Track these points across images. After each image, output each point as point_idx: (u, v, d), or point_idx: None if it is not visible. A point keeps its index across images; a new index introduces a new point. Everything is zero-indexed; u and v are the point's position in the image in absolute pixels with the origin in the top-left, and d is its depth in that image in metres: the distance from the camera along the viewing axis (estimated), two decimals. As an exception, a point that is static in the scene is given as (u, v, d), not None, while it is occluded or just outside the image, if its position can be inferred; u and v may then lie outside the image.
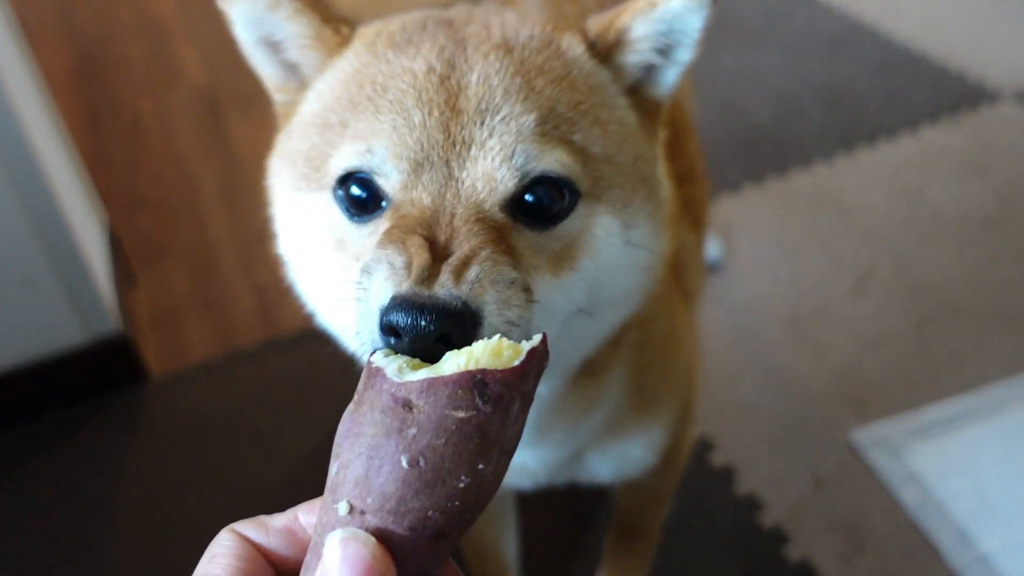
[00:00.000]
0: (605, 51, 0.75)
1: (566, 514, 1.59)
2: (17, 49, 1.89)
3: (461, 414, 0.40)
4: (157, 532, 1.63)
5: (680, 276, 1.08)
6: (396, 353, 0.49)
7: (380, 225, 0.65)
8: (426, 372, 0.41)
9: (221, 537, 0.45)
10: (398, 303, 0.54)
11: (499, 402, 0.41)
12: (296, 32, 0.76)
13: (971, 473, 1.57)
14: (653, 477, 1.13)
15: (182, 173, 2.63)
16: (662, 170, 0.81)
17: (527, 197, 0.66)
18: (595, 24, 0.76)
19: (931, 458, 1.59)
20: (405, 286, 0.56)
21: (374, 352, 0.45)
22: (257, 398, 1.87)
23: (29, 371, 1.75)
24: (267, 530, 0.45)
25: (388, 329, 0.53)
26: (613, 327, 0.80)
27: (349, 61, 0.73)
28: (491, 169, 0.64)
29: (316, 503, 0.45)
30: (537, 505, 1.42)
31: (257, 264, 2.24)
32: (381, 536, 0.40)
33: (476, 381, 0.40)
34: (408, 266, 0.57)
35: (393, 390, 0.40)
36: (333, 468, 0.41)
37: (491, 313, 0.56)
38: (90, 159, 2.46)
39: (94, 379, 1.84)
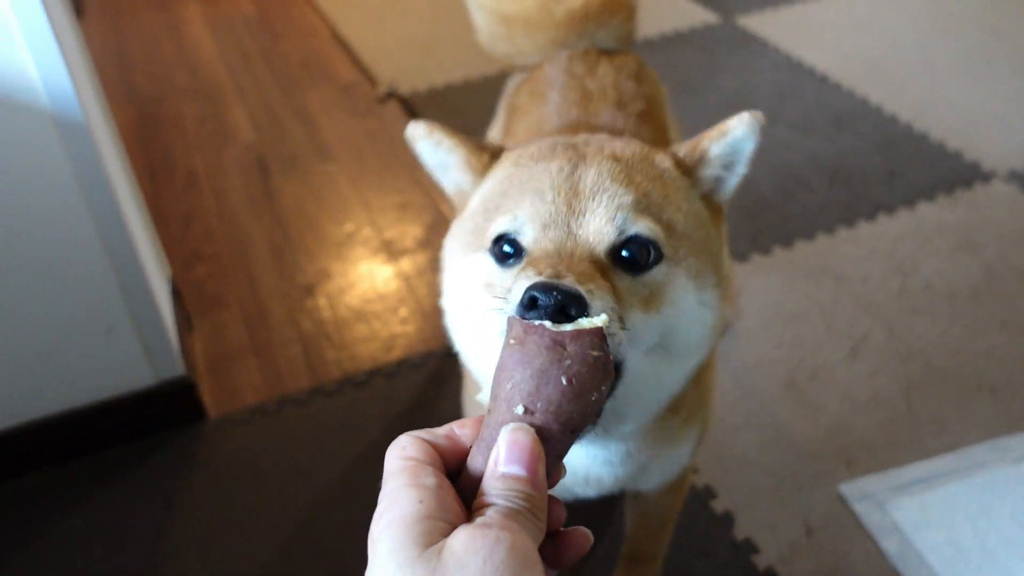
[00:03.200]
0: (691, 165, 1.03)
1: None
2: (102, 111, 2.12)
3: (596, 353, 0.61)
4: (212, 556, 1.82)
5: None
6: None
7: (518, 268, 0.87)
8: (571, 326, 0.63)
9: (401, 439, 0.61)
10: (536, 286, 0.71)
11: (608, 350, 0.63)
12: (455, 160, 1.05)
13: (948, 526, 1.73)
14: (668, 493, 1.39)
15: (233, 229, 2.85)
16: (726, 254, 1.05)
17: (624, 253, 0.89)
18: (682, 147, 1.04)
19: (912, 511, 1.76)
20: (536, 281, 0.73)
21: (514, 317, 0.67)
22: (304, 439, 2.07)
23: (105, 408, 1.96)
24: (433, 435, 0.63)
25: (529, 302, 0.70)
26: (688, 373, 1.02)
27: (500, 171, 1.02)
28: (599, 226, 0.88)
29: (466, 421, 0.64)
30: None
31: (303, 316, 2.45)
32: (544, 428, 0.59)
33: (603, 335, 0.63)
34: (542, 269, 0.79)
35: (553, 335, 0.61)
36: (507, 385, 0.60)
37: (598, 320, 0.77)
38: (150, 214, 2.69)
39: (159, 417, 2.04)
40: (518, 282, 0.78)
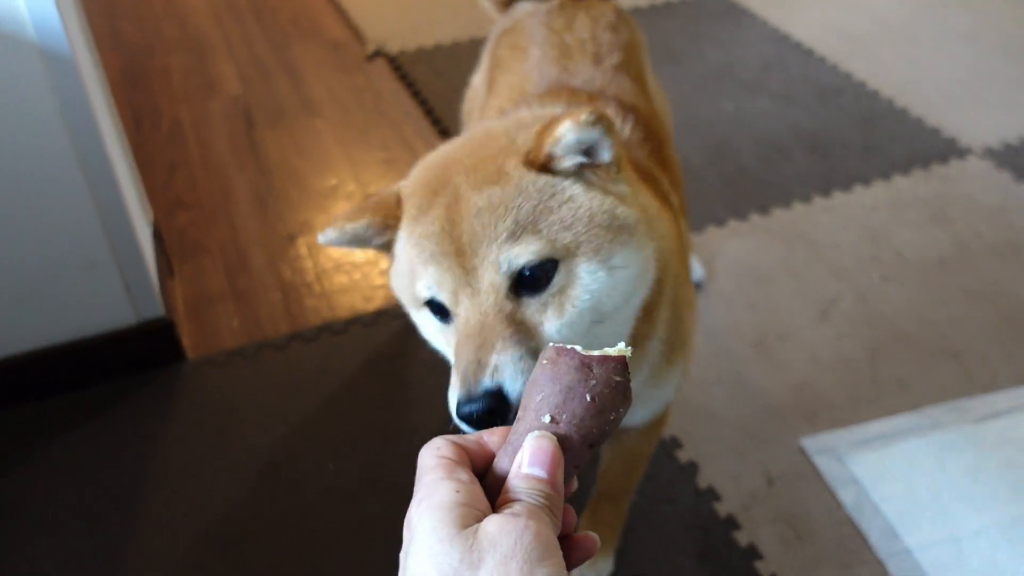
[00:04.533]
0: (542, 165, 1.02)
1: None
2: (90, 48, 2.13)
3: (618, 378, 0.68)
4: (189, 489, 1.86)
5: (684, 257, 1.36)
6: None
7: (456, 326, 0.99)
8: (599, 352, 0.70)
9: (435, 441, 0.68)
10: (461, 405, 0.91)
11: (629, 376, 0.69)
12: (374, 230, 1.10)
13: (904, 480, 1.79)
14: (646, 433, 1.45)
15: (217, 178, 2.87)
16: (627, 190, 1.06)
17: (525, 273, 0.97)
18: (527, 145, 1.03)
19: (870, 465, 1.82)
20: (461, 394, 0.92)
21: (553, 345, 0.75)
22: (280, 382, 2.10)
23: (88, 344, 1.99)
24: (464, 439, 0.70)
25: (466, 419, 0.90)
26: (631, 317, 1.08)
27: (404, 226, 1.08)
28: (492, 279, 0.96)
29: (496, 429, 0.71)
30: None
31: (284, 264, 2.48)
32: (565, 438, 0.66)
33: (625, 362, 0.69)
34: (463, 375, 0.92)
35: (582, 358, 0.68)
36: (537, 397, 0.68)
37: (512, 388, 0.91)
38: (135, 160, 2.70)
39: (140, 356, 2.07)
40: (452, 392, 0.94)
